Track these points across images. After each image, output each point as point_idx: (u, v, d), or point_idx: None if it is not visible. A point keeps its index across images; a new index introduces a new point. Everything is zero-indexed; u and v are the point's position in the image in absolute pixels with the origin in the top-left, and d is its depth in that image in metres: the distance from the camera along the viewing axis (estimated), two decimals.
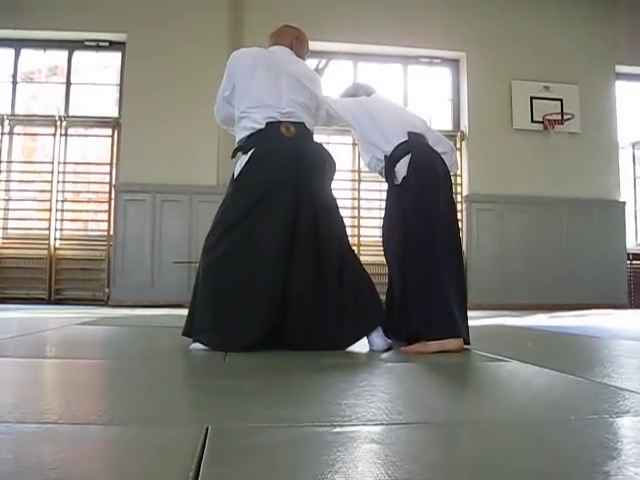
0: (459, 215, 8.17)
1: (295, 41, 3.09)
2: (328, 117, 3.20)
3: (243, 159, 2.81)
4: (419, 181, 2.89)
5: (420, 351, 2.62)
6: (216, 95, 3.02)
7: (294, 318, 2.62)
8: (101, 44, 7.93)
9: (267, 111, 2.78)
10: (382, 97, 3.35)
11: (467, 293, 3.01)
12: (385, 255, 3.29)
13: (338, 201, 3.07)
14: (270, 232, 2.65)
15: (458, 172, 8.23)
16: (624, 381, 1.92)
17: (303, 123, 2.85)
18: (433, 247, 2.79)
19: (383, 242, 3.31)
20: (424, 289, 2.76)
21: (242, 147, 2.84)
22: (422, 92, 8.54)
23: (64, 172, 7.78)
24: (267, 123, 2.77)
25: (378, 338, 2.70)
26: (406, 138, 2.98)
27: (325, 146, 3.03)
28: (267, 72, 2.87)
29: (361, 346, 2.73)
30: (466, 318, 2.84)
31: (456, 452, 1.10)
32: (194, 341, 2.65)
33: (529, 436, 1.23)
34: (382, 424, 1.30)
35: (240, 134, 2.86)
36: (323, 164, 2.90)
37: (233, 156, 2.94)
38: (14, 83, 7.97)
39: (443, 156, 3.06)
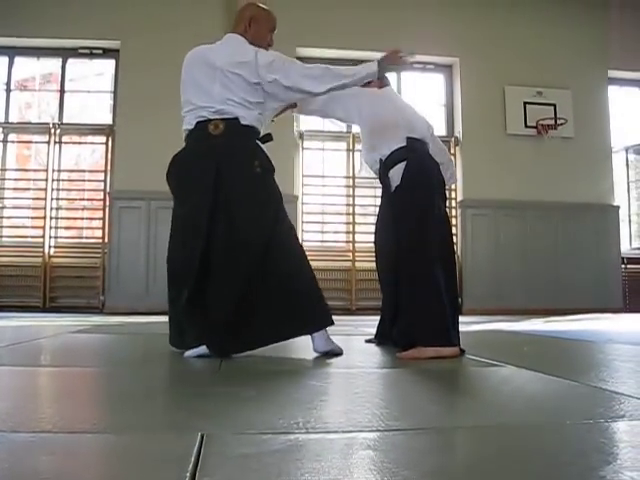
0: (453, 221, 8.19)
1: (250, 24, 2.86)
2: (305, 101, 3.09)
3: None
4: (413, 190, 2.88)
5: (416, 357, 2.62)
6: None
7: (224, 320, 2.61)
8: (95, 52, 7.94)
9: (199, 111, 2.72)
10: (392, 94, 3.33)
11: (459, 300, 3.01)
12: (376, 262, 3.28)
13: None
14: (187, 247, 2.73)
15: None
16: (619, 385, 1.92)
17: (236, 119, 2.70)
18: (428, 255, 2.79)
19: (375, 249, 3.30)
20: (420, 296, 2.76)
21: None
22: (416, 98, 8.55)
23: (58, 180, 7.78)
24: (197, 123, 2.72)
25: (319, 339, 2.66)
26: (404, 143, 2.96)
27: (261, 147, 2.80)
28: (202, 71, 2.76)
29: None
30: (457, 324, 2.84)
31: (452, 458, 1.10)
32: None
33: (525, 441, 1.23)
34: (378, 430, 1.30)
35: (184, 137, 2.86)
36: (246, 163, 2.72)
37: None
38: (8, 91, 7.96)
39: (440, 166, 3.05)
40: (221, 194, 2.64)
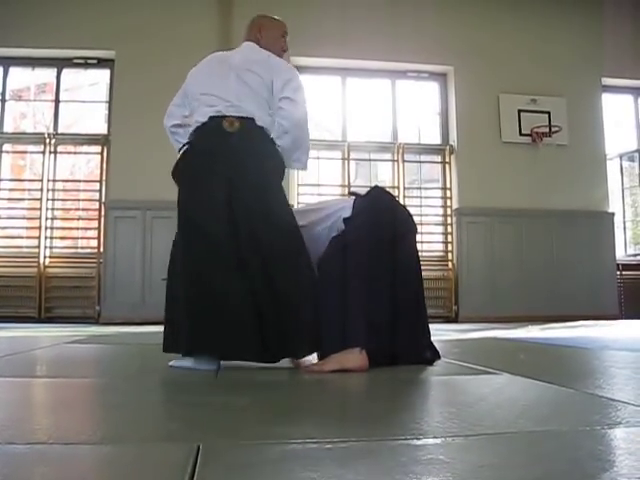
0: (449, 229, 8.21)
1: (260, 32, 2.91)
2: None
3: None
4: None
5: (316, 370, 2.46)
6: None
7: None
8: (90, 61, 7.95)
9: (213, 106, 2.65)
10: None
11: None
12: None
13: None
14: (209, 250, 2.53)
15: (447, 185, 8.28)
16: (616, 392, 1.92)
17: (252, 119, 2.65)
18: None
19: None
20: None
21: (187, 142, 2.73)
22: (410, 107, 8.60)
23: (53, 190, 7.76)
24: (210, 117, 2.64)
25: None
26: None
27: (278, 150, 2.72)
28: (216, 68, 2.78)
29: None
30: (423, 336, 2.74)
31: (446, 468, 1.09)
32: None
33: (521, 449, 1.23)
34: (373, 440, 1.29)
35: (190, 131, 2.75)
36: (262, 164, 2.65)
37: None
38: (3, 101, 7.96)
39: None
40: (233, 204, 2.52)
